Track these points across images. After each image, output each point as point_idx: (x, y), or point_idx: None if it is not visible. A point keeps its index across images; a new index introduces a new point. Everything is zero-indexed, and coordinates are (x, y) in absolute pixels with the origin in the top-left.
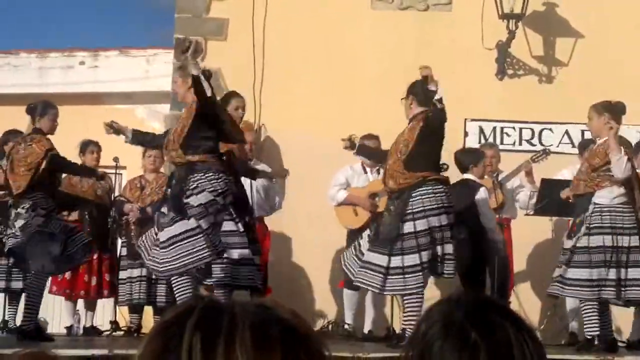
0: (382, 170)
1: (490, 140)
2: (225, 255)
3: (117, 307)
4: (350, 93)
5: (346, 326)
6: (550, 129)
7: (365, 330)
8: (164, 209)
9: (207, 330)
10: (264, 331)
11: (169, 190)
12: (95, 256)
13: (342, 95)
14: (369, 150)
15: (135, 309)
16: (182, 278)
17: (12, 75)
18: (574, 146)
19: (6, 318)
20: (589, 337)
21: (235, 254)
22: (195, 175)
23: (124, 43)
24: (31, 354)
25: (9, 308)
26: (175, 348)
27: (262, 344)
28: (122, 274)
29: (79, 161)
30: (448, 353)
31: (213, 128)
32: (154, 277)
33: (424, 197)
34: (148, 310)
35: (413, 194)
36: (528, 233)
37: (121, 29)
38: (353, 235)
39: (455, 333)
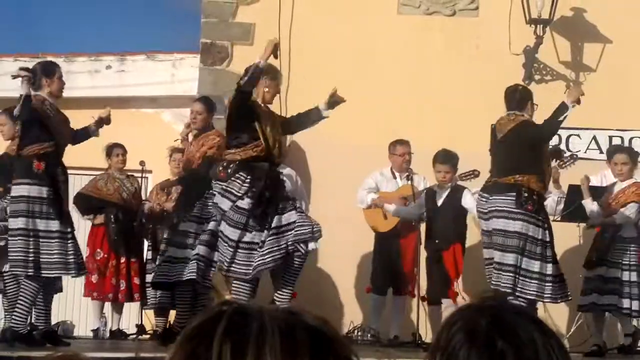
0: (412, 176)
1: None
2: None
3: (143, 311)
4: (377, 97)
5: (372, 331)
6: (578, 135)
7: (391, 336)
8: None
9: (237, 337)
10: (293, 337)
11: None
12: (122, 260)
13: (368, 99)
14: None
15: (161, 312)
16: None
17: None
18: (601, 152)
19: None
20: None
21: None
22: None
23: (150, 47)
24: (63, 356)
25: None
26: (205, 354)
27: (291, 350)
28: (148, 278)
29: (105, 165)
30: None
31: None
32: None
33: None
34: (174, 314)
35: None
36: (555, 239)
37: (148, 34)
38: (381, 240)
39: (480, 341)
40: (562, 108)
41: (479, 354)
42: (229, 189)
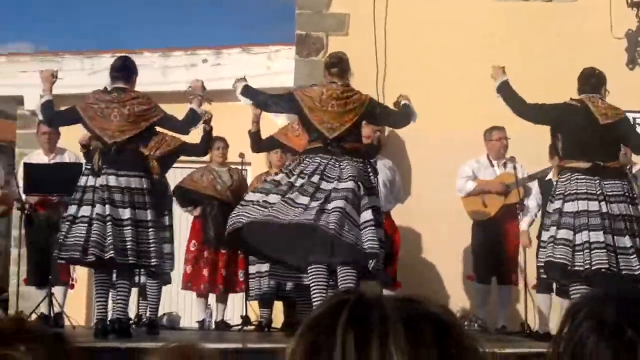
0: (508, 164)
1: None
2: None
3: (248, 302)
4: (474, 86)
5: (479, 321)
6: None
7: (499, 325)
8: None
9: (360, 326)
10: (416, 326)
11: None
12: (222, 251)
13: (465, 88)
14: None
15: (266, 303)
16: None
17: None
18: None
19: (139, 312)
20: None
21: None
22: None
23: (246, 40)
24: (178, 347)
25: (141, 302)
26: (327, 344)
27: (415, 339)
28: (251, 269)
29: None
30: (602, 352)
31: None
32: None
33: None
34: (278, 304)
35: None
36: None
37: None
38: (481, 228)
39: (609, 331)
40: None
41: (608, 343)
42: None
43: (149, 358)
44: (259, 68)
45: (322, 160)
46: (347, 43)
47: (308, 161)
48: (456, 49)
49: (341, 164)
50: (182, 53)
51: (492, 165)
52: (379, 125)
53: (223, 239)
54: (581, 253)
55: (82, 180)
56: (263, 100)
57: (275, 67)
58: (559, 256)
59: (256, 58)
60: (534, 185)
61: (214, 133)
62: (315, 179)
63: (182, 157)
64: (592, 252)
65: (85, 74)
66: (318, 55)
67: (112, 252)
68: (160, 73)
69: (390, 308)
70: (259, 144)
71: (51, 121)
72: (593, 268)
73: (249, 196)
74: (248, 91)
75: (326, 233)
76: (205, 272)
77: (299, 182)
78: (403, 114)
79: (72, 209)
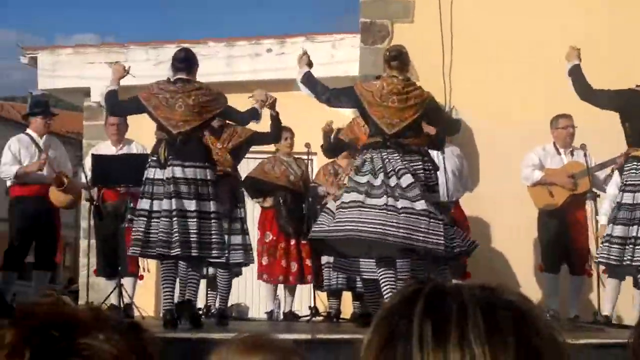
0: (575, 152)
1: None
2: None
3: (316, 293)
4: (543, 73)
5: (551, 311)
6: None
7: (571, 315)
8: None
9: (437, 316)
10: (495, 315)
11: None
12: (292, 242)
13: (534, 75)
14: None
15: (335, 294)
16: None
17: (201, 65)
18: None
19: (208, 303)
20: None
21: None
22: None
23: (310, 29)
24: (250, 337)
25: (210, 293)
26: (404, 334)
27: (494, 329)
28: (322, 259)
29: (272, 148)
30: None
31: None
32: None
33: None
34: (347, 295)
35: None
36: None
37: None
38: (548, 217)
39: None
40: None
41: None
42: None
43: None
44: (323, 57)
45: (384, 156)
46: (413, 30)
47: (371, 157)
48: (525, 35)
49: (401, 160)
50: (246, 43)
51: (559, 154)
52: (434, 126)
53: (299, 229)
54: (632, 247)
55: (150, 173)
56: (322, 92)
57: (340, 55)
58: (614, 257)
59: (320, 47)
60: (615, 174)
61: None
62: (382, 177)
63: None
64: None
65: (150, 65)
66: (383, 42)
67: (177, 249)
68: (224, 63)
69: (467, 296)
70: (331, 149)
71: (113, 110)
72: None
73: (332, 205)
74: (309, 81)
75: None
76: (283, 262)
77: (371, 180)
78: (458, 122)
79: (143, 203)
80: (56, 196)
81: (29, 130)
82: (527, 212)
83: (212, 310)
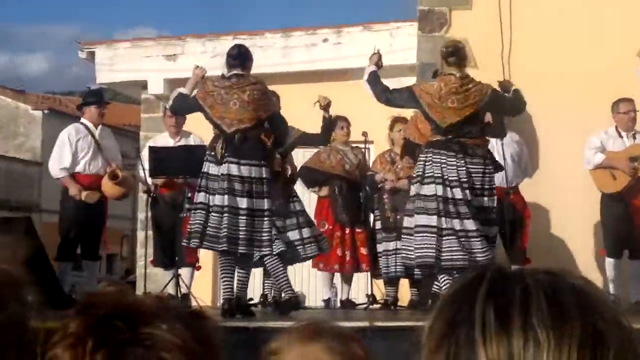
0: (638, 135)
1: None
2: None
3: (373, 280)
4: (604, 58)
5: (612, 296)
6: None
7: (632, 301)
8: None
9: (500, 300)
10: (559, 300)
11: None
12: (347, 231)
13: (595, 60)
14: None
15: (392, 282)
16: None
17: (258, 56)
18: None
19: (264, 292)
20: None
21: None
22: None
23: (366, 18)
24: (308, 325)
25: (266, 282)
26: (467, 319)
27: (559, 313)
28: (379, 247)
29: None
30: None
31: None
32: None
33: None
34: (404, 283)
35: None
36: None
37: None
38: (610, 201)
39: None
40: None
41: None
42: None
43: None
44: (380, 46)
45: (445, 159)
46: (471, 17)
47: (435, 160)
48: (585, 20)
49: (463, 162)
50: (302, 33)
51: (621, 137)
52: (497, 113)
53: (354, 218)
54: None
55: (206, 167)
56: (382, 93)
57: (397, 44)
58: None
59: (377, 35)
60: None
61: (338, 112)
62: (443, 188)
63: None
64: None
65: (207, 57)
66: (441, 30)
67: (224, 244)
68: (281, 54)
69: (531, 280)
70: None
71: (176, 110)
72: None
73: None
74: (372, 80)
75: None
76: (338, 251)
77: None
78: (519, 101)
79: (201, 197)
80: (109, 188)
81: (83, 120)
82: (587, 197)
83: (269, 299)
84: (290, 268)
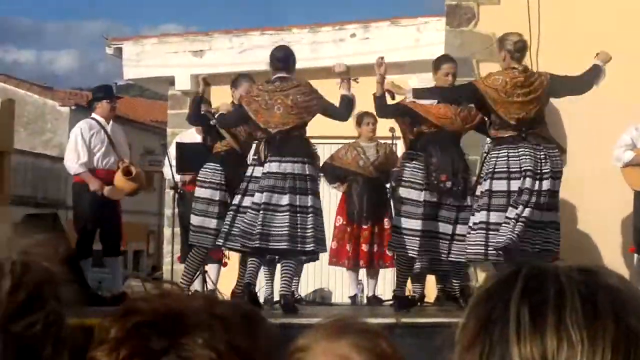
0: None
1: None
2: None
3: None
4: (631, 53)
5: None
6: None
7: None
8: None
9: (535, 298)
10: (594, 299)
11: None
12: (365, 226)
13: (625, 55)
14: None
15: (418, 277)
16: None
17: None
18: None
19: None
20: None
21: None
22: None
23: (394, 13)
24: (338, 321)
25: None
26: (501, 317)
27: (593, 313)
28: None
29: (356, 133)
30: None
31: None
32: None
33: None
34: (431, 279)
35: None
36: None
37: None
38: None
39: None
40: None
41: None
42: None
43: (307, 334)
44: (407, 40)
45: (516, 151)
46: (499, 12)
47: (511, 155)
48: (615, 16)
49: (539, 154)
50: (330, 28)
51: None
52: (559, 97)
53: (373, 213)
54: None
55: (249, 171)
56: (440, 95)
57: (424, 39)
58: None
59: (405, 30)
60: None
61: (364, 108)
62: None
63: (333, 134)
64: None
65: (234, 52)
66: (469, 25)
67: (257, 241)
68: (309, 49)
69: (566, 280)
70: (383, 109)
71: (222, 125)
72: None
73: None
74: (421, 94)
75: None
76: (348, 247)
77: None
78: (587, 77)
79: (236, 199)
80: (122, 183)
81: (95, 115)
82: (615, 194)
83: (296, 296)
84: (317, 265)
